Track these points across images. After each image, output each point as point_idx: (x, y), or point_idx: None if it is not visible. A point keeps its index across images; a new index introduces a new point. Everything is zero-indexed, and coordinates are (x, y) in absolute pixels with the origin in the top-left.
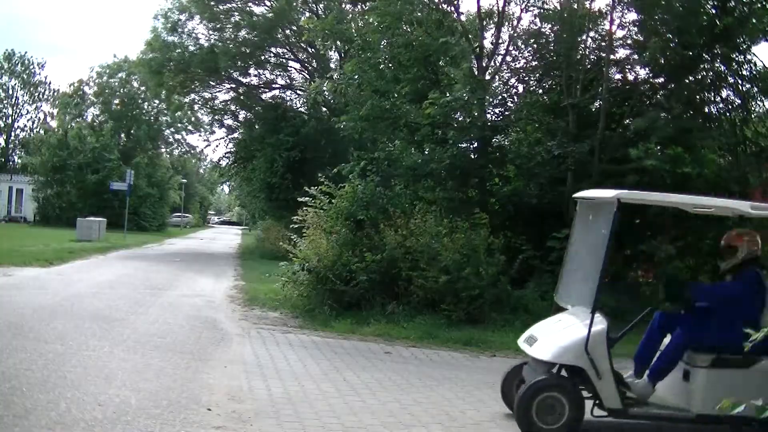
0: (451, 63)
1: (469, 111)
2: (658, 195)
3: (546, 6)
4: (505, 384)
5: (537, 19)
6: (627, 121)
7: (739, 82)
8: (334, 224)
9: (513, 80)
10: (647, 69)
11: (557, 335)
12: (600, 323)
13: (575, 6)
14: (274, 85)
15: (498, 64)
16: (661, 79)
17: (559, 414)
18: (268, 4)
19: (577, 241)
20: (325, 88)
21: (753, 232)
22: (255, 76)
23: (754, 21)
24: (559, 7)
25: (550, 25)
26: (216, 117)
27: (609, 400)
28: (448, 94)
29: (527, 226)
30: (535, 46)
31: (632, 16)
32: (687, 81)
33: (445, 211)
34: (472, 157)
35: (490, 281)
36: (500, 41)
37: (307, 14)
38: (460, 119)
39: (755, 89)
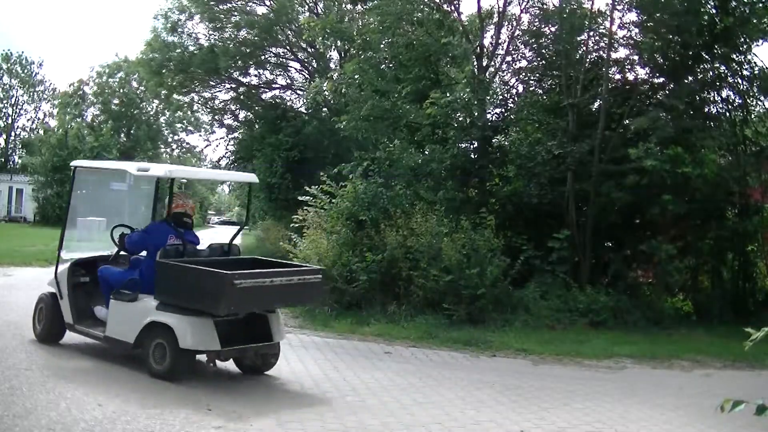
0: (452, 63)
1: (469, 111)
2: None
3: (546, 6)
4: None
5: (536, 20)
6: (627, 121)
7: (739, 82)
8: (334, 224)
9: (513, 80)
10: (647, 69)
11: None
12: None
13: (574, 6)
14: (274, 85)
15: (498, 65)
16: (662, 79)
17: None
18: (268, 3)
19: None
20: (325, 88)
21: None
22: (255, 76)
23: (754, 21)
24: (558, 6)
25: (549, 25)
26: (216, 117)
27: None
28: (448, 95)
29: (527, 226)
30: (535, 46)
31: (632, 16)
32: (687, 81)
33: (446, 211)
34: (473, 156)
35: (493, 281)
36: (500, 41)
37: (307, 14)
38: (460, 119)
39: (755, 89)
